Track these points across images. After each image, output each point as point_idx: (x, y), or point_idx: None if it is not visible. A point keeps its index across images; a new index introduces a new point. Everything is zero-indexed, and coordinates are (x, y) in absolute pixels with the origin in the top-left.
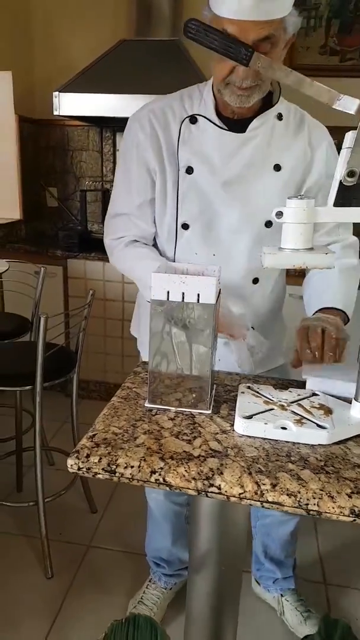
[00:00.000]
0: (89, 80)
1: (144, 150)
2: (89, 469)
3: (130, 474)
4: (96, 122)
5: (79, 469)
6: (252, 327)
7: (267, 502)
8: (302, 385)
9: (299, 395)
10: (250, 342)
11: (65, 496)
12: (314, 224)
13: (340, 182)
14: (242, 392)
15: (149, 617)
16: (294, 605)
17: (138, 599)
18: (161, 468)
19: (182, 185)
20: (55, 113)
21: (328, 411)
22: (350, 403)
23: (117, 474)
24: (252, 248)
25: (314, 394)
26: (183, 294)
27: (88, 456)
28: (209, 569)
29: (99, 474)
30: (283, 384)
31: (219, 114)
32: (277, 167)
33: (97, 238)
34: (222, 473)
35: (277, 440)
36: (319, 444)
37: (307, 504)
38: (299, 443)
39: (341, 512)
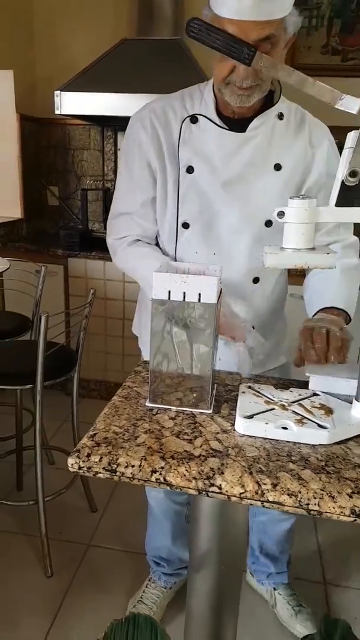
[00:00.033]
0: (90, 80)
1: (146, 150)
2: (89, 468)
3: (131, 473)
4: (97, 121)
5: (80, 468)
6: (252, 327)
7: (268, 501)
8: (303, 385)
9: (299, 395)
10: (250, 343)
11: (65, 495)
12: (315, 224)
13: (342, 182)
14: (243, 392)
15: (149, 617)
16: (286, 600)
17: (138, 598)
18: (162, 467)
19: (183, 184)
20: (57, 112)
21: (329, 411)
22: (351, 403)
23: (117, 474)
24: (252, 247)
25: (315, 394)
26: (184, 293)
27: (89, 455)
28: (209, 568)
29: (100, 473)
30: (284, 384)
31: (219, 113)
32: (278, 167)
33: (98, 237)
34: (222, 473)
35: (277, 440)
36: (320, 444)
37: (307, 504)
38: (299, 443)
39: (342, 512)
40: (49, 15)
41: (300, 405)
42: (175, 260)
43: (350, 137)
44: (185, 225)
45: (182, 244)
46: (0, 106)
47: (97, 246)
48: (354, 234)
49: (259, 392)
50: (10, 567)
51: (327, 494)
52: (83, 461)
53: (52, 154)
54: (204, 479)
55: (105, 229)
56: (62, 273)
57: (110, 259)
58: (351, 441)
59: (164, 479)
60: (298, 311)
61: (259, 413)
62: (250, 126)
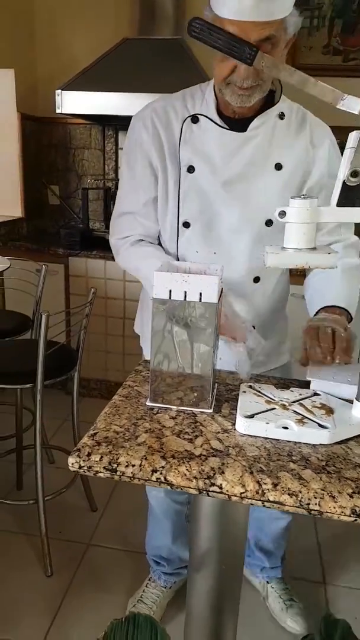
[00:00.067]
0: (91, 79)
1: (147, 149)
2: (90, 467)
3: (132, 472)
4: (98, 121)
5: (80, 467)
6: (253, 327)
7: (269, 501)
8: (303, 384)
9: (300, 394)
10: (249, 344)
11: (66, 494)
12: (317, 224)
13: (344, 182)
14: (244, 392)
15: (149, 616)
16: (279, 593)
17: (138, 598)
18: (162, 467)
19: (184, 184)
20: (58, 111)
21: (329, 411)
22: (352, 403)
23: (118, 473)
24: (252, 247)
25: (316, 394)
26: (185, 292)
27: (89, 455)
28: (209, 567)
29: (100, 472)
30: (285, 384)
31: (220, 113)
32: (278, 166)
33: (99, 236)
34: (223, 472)
35: (278, 440)
36: (321, 444)
37: (308, 504)
38: (300, 443)
39: (342, 512)
40: (50, 14)
41: (301, 405)
42: (178, 260)
43: (352, 137)
44: (186, 225)
45: (183, 243)
46: (1, 105)
47: (98, 245)
48: (355, 234)
49: (259, 391)
50: (10, 566)
51: (328, 493)
52: (83, 460)
53: (53, 153)
54: (205, 478)
55: (105, 228)
56: (62, 272)
57: (110, 258)
58: (352, 441)
59: (165, 479)
60: (299, 311)
61: (260, 413)
62: (250, 126)
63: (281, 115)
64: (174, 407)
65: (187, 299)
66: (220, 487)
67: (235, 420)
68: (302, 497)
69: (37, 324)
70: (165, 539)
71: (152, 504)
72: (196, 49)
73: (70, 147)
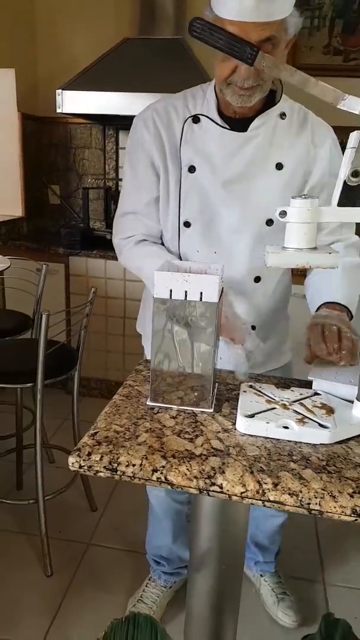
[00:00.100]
0: (92, 79)
1: (149, 149)
2: (90, 467)
3: (132, 472)
4: (99, 120)
5: (81, 467)
6: (252, 327)
7: (269, 501)
8: (304, 384)
9: (301, 394)
10: (248, 346)
11: (66, 494)
12: (318, 224)
13: (345, 182)
14: (244, 391)
15: (149, 616)
16: (271, 587)
17: (138, 598)
18: (163, 466)
19: (185, 184)
20: (59, 111)
21: (330, 410)
22: (352, 402)
23: (118, 473)
24: (253, 247)
25: (316, 394)
26: (186, 292)
27: (89, 454)
28: (210, 567)
29: (101, 472)
30: (285, 383)
31: (221, 113)
32: (279, 166)
33: (99, 236)
34: (223, 472)
35: (279, 440)
36: (321, 444)
37: (308, 504)
38: (300, 442)
39: (343, 512)
40: (50, 14)
41: (302, 404)
42: (180, 259)
43: (353, 137)
44: (187, 224)
45: (184, 242)
46: (2, 105)
47: (98, 245)
48: (356, 233)
49: (260, 391)
50: (10, 566)
51: (328, 493)
52: (84, 460)
53: (53, 152)
54: (205, 478)
55: (106, 227)
56: (63, 271)
57: (111, 258)
58: (352, 441)
59: (165, 478)
60: (301, 311)
61: (260, 412)
62: (251, 126)
63: (282, 115)
64: (175, 407)
65: (188, 299)
66: (221, 487)
67: (235, 420)
68: (302, 497)
69: (38, 323)
70: (165, 539)
71: (152, 503)
72: (197, 49)
73: (71, 147)
